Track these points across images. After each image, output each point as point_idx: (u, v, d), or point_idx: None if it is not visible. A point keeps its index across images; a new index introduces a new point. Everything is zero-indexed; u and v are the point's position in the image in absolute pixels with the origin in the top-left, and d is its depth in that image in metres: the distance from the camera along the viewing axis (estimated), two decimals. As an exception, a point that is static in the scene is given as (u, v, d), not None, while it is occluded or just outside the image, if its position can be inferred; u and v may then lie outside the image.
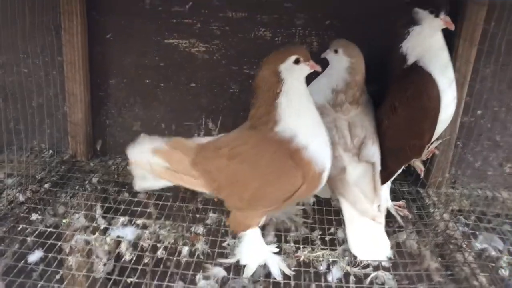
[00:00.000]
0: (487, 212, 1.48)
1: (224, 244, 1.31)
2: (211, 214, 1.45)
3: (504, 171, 1.66)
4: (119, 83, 1.66)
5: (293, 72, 1.12)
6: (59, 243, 1.26)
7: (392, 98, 1.33)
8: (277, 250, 1.28)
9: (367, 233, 1.27)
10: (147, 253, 1.26)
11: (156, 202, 1.49)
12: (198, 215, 1.44)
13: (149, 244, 1.29)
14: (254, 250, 1.24)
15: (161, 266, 1.21)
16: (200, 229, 1.37)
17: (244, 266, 1.21)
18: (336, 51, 1.35)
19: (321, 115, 1.27)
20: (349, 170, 1.30)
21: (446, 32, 1.37)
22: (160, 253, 1.26)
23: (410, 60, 1.32)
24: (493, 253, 1.31)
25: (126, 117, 1.70)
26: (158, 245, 1.29)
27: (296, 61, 1.12)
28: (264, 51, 1.55)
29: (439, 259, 1.28)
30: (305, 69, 1.14)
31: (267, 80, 1.13)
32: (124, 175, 1.65)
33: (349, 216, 1.29)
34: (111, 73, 1.65)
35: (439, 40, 1.32)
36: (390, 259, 1.25)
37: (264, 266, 1.22)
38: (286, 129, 1.12)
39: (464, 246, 1.32)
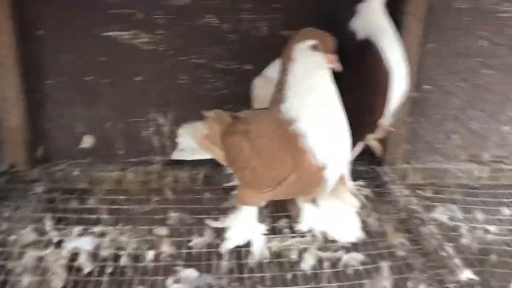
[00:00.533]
0: (441, 183, 1.53)
1: (191, 244, 1.25)
2: (172, 214, 1.38)
3: (452, 143, 1.72)
4: (57, 82, 1.53)
5: (307, 57, 1.08)
6: (7, 263, 1.14)
7: (342, 73, 1.33)
8: (266, 231, 1.27)
9: (339, 216, 1.28)
10: (109, 263, 1.17)
11: (111, 207, 1.41)
12: (158, 216, 1.37)
13: (110, 253, 1.21)
14: (243, 227, 1.25)
15: (126, 274, 1.13)
16: (163, 231, 1.30)
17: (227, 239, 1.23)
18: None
19: None
20: None
21: (393, 9, 1.39)
22: (123, 261, 1.19)
23: (360, 36, 1.32)
24: (454, 223, 1.35)
25: (68, 118, 1.58)
26: (120, 252, 1.21)
27: (314, 47, 1.07)
28: (212, 39, 1.52)
29: (406, 234, 1.30)
30: (320, 59, 1.07)
31: (284, 54, 1.11)
32: (71, 181, 1.54)
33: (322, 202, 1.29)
34: (47, 73, 1.52)
35: (385, 17, 1.33)
36: (357, 239, 1.26)
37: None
38: (289, 110, 1.09)
39: (427, 219, 1.35)
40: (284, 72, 1.11)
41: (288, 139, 1.07)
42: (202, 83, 1.57)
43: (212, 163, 1.42)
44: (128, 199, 1.45)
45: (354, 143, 1.40)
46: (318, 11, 1.49)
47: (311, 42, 1.07)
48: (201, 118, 1.36)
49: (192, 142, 1.36)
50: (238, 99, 1.51)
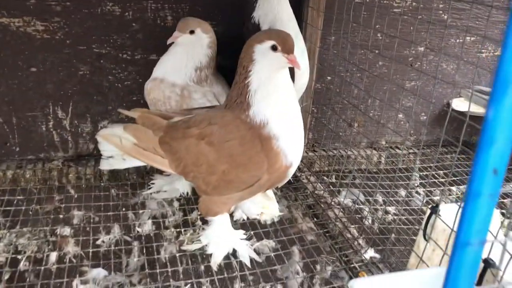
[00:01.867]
0: (343, 169, 1.62)
1: (98, 242, 1.20)
2: (76, 212, 1.31)
3: (353, 131, 1.82)
4: None
5: (267, 57, 1.06)
6: None
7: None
8: (245, 236, 1.24)
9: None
10: (6, 269, 1.08)
11: (6, 208, 1.30)
12: (61, 216, 1.29)
13: (7, 258, 1.11)
14: (222, 237, 1.20)
15: (28, 279, 1.05)
16: (67, 231, 1.23)
17: (210, 254, 1.17)
18: (192, 32, 1.33)
19: (188, 94, 1.26)
20: None
21: (295, 2, 1.43)
22: (22, 265, 1.10)
23: (263, 28, 1.34)
24: (357, 206, 1.44)
25: None
26: (19, 256, 1.12)
27: (273, 48, 1.05)
28: (114, 28, 1.45)
29: (314, 219, 1.36)
30: (281, 59, 1.06)
31: (243, 56, 1.09)
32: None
33: None
34: None
35: (287, 10, 1.36)
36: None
37: (233, 254, 1.19)
38: (258, 114, 1.08)
39: (333, 203, 1.41)
40: (244, 73, 1.09)
41: (261, 141, 1.07)
42: (103, 75, 1.50)
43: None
44: (29, 200, 1.35)
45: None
46: (220, 2, 1.50)
47: (271, 42, 1.06)
48: (106, 113, 1.30)
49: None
50: (143, 90, 1.46)
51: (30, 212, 1.30)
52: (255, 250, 1.21)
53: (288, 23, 1.36)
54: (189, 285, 1.08)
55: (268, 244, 1.24)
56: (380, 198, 1.51)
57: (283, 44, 1.05)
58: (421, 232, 1.00)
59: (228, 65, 1.39)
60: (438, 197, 1.57)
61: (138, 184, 1.47)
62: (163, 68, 1.36)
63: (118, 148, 1.21)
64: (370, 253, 1.20)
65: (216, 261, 1.15)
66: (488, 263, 0.82)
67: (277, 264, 1.17)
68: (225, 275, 1.12)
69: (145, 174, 1.52)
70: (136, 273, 1.10)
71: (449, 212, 0.95)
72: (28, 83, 1.44)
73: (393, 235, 1.28)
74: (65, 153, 1.55)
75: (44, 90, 1.46)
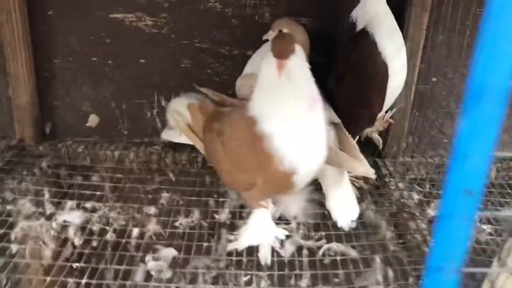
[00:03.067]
0: (442, 179, 1.49)
1: (176, 224, 1.28)
2: (164, 194, 1.41)
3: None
4: (65, 62, 1.58)
5: (265, 56, 1.01)
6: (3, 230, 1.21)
7: (338, 66, 1.31)
8: (285, 235, 1.20)
9: (343, 199, 1.26)
10: (95, 237, 1.22)
11: (110, 184, 1.45)
12: (151, 196, 1.41)
13: (98, 228, 1.25)
14: (256, 229, 1.18)
15: (109, 249, 1.18)
16: (152, 210, 1.34)
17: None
18: (280, 32, 1.32)
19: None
20: None
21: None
22: (109, 236, 1.23)
23: (358, 28, 1.29)
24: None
25: (75, 97, 1.63)
26: (107, 228, 1.25)
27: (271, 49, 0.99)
28: (214, 23, 1.53)
29: (392, 228, 1.28)
30: (271, 62, 0.98)
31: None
32: (75, 158, 1.60)
33: (329, 183, 1.26)
34: (56, 52, 1.57)
35: (384, 6, 1.29)
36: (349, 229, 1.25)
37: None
38: (253, 109, 1.02)
39: (417, 214, 1.32)
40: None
41: (256, 139, 0.99)
42: (205, 68, 1.58)
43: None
44: (127, 178, 1.50)
45: (353, 138, 1.39)
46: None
47: (270, 44, 1.00)
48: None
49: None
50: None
51: (126, 190, 1.43)
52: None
53: (385, 19, 1.29)
54: (248, 276, 1.11)
55: (337, 247, 1.20)
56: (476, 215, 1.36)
57: (272, 47, 0.97)
58: (497, 256, 0.89)
59: (322, 62, 1.38)
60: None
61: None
62: (252, 64, 1.39)
63: (173, 124, 1.28)
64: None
65: (237, 246, 1.15)
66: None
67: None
68: (285, 271, 1.12)
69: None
70: (201, 256, 1.16)
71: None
72: (137, 73, 1.60)
73: (478, 256, 1.15)
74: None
75: (150, 81, 1.61)
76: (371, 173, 1.20)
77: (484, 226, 1.30)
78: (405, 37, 1.38)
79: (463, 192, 0.33)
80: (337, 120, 1.30)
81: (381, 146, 1.57)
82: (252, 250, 1.18)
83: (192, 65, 1.58)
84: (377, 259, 1.14)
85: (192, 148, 1.61)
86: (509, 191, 1.48)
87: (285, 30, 1.32)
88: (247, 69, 1.41)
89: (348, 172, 1.31)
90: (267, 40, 1.37)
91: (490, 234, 1.28)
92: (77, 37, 1.56)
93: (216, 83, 1.60)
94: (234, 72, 1.58)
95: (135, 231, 1.24)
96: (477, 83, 0.31)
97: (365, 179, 1.46)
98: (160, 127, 1.66)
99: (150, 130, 1.67)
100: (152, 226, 1.27)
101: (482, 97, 0.31)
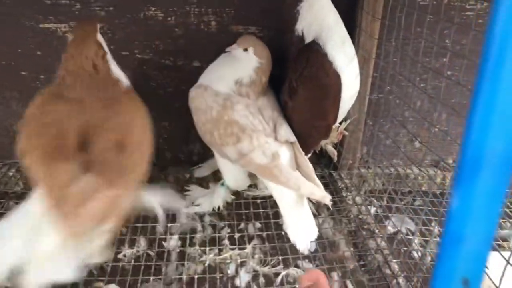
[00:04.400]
0: (399, 190, 1.45)
1: (120, 256, 1.17)
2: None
3: (414, 147, 1.64)
4: (-10, 77, 1.43)
5: None
6: None
7: (291, 79, 1.24)
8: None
9: (301, 220, 1.19)
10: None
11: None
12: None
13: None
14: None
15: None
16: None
17: None
18: (245, 50, 1.24)
19: (231, 105, 1.21)
20: (281, 155, 1.20)
21: (349, 6, 1.30)
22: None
23: (308, 40, 1.22)
24: (406, 236, 1.27)
25: (2, 115, 1.47)
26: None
27: None
28: (156, 33, 1.42)
29: (351, 248, 1.22)
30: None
31: None
32: (6, 183, 1.44)
33: (287, 204, 1.20)
34: (-20, 66, 1.41)
35: (333, 14, 1.22)
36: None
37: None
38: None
39: (376, 231, 1.27)
40: None
41: None
42: (150, 80, 1.47)
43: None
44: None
45: (308, 151, 1.32)
46: (269, 8, 1.40)
47: None
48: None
49: None
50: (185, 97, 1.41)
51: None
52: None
53: (334, 28, 1.23)
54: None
55: (296, 272, 1.13)
56: (436, 229, 1.33)
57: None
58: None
59: (275, 73, 1.31)
60: (507, 231, 1.35)
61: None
62: (209, 75, 1.29)
63: None
64: (410, 297, 1.05)
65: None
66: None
67: None
68: None
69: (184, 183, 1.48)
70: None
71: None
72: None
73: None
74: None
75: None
76: (327, 199, 1.15)
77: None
78: (356, 46, 1.33)
79: (459, 282, 0.25)
80: (293, 138, 1.23)
81: (335, 159, 1.51)
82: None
83: (133, 78, 1.46)
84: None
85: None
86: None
87: (250, 50, 1.23)
88: (202, 80, 1.30)
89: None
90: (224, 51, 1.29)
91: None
92: (2, 49, 1.40)
93: (161, 96, 1.49)
94: (180, 84, 1.48)
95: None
96: (473, 147, 0.23)
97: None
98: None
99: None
100: (92, 260, 1.15)
101: (480, 166, 0.23)
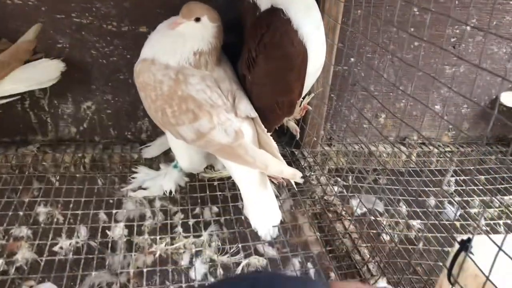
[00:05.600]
0: (365, 169, 1.37)
1: (56, 248, 1.02)
2: (41, 209, 1.13)
3: (379, 123, 1.56)
4: None
5: None
6: None
7: (249, 48, 1.10)
8: None
9: (263, 203, 1.09)
10: None
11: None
12: (22, 213, 1.11)
13: None
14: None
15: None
16: (23, 232, 1.06)
17: None
18: (197, 20, 1.09)
19: (184, 78, 1.07)
20: (244, 132, 1.08)
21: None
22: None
23: (263, 7, 1.09)
24: (372, 217, 1.19)
25: None
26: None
27: None
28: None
29: (317, 232, 1.12)
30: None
31: None
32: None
33: (248, 186, 1.09)
34: None
35: None
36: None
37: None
38: None
39: (343, 213, 1.17)
40: None
41: None
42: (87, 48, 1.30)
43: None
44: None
45: (270, 129, 1.20)
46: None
47: None
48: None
49: None
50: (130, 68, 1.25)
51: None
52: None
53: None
54: None
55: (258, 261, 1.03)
56: (404, 208, 1.26)
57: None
58: (445, 271, 0.75)
59: (230, 40, 1.17)
60: (476, 209, 1.30)
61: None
62: (154, 47, 1.13)
63: None
64: (381, 283, 0.96)
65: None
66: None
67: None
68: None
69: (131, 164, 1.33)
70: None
71: (486, 248, 0.70)
72: (0, 56, 1.26)
73: (414, 259, 1.03)
74: (44, 137, 1.37)
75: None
76: (298, 177, 1.04)
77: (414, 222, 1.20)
78: (321, 11, 1.21)
79: None
80: (254, 114, 1.11)
81: (298, 136, 1.40)
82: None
83: (70, 45, 1.28)
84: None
85: (77, 147, 1.36)
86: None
87: (204, 18, 1.08)
88: (147, 53, 1.14)
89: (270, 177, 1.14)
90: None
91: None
92: None
93: (103, 65, 1.32)
94: (125, 53, 1.31)
95: (-2, 264, 0.96)
96: None
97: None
98: (35, 122, 1.35)
99: (22, 127, 1.35)
100: (22, 254, 0.99)
101: None
